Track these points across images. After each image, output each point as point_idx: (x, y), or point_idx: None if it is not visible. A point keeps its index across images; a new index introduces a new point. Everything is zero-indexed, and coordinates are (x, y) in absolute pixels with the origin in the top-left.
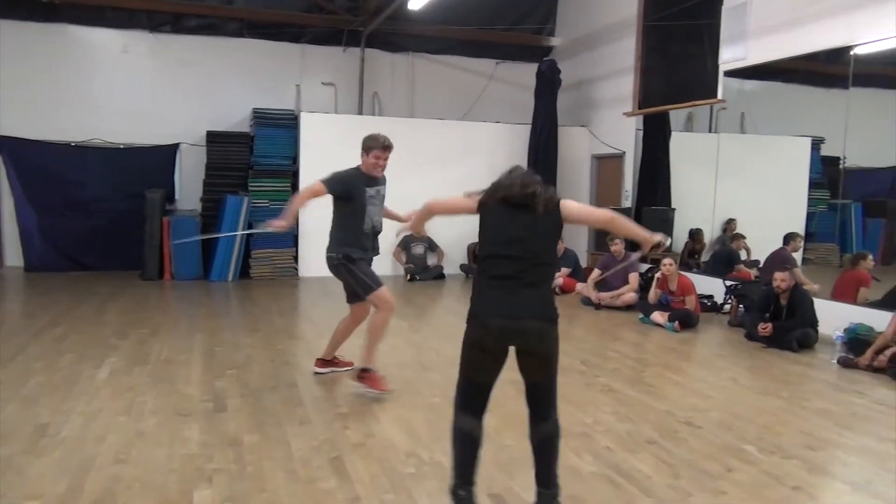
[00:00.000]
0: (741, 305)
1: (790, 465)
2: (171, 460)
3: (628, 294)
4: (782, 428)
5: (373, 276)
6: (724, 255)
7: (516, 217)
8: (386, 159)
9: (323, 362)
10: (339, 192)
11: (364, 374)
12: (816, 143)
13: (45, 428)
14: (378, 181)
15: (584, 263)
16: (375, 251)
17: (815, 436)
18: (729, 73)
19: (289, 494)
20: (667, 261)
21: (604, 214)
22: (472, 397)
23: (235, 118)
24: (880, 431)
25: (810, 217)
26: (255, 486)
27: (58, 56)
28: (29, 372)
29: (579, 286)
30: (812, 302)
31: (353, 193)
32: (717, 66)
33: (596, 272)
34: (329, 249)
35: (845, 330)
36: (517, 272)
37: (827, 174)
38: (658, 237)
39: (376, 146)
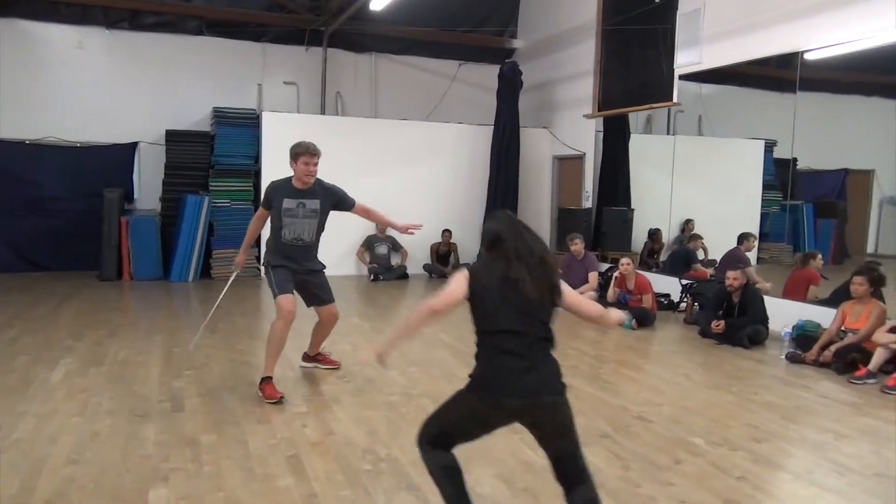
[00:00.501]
0: (696, 304)
1: (736, 456)
2: (127, 460)
3: (587, 293)
4: (731, 421)
5: (281, 284)
6: (682, 254)
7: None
8: (315, 165)
9: (307, 357)
10: (265, 204)
11: (262, 384)
12: (769, 146)
13: None
14: (306, 193)
15: None
16: (303, 264)
17: (761, 428)
18: (685, 77)
19: (246, 493)
20: (625, 260)
21: (594, 310)
22: (447, 445)
23: (195, 117)
24: (823, 423)
25: (764, 217)
26: (211, 484)
27: (10, 52)
28: None
29: None
30: (762, 300)
31: (272, 203)
32: (672, 70)
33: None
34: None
35: (794, 327)
36: (527, 345)
37: (779, 176)
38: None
39: (304, 151)
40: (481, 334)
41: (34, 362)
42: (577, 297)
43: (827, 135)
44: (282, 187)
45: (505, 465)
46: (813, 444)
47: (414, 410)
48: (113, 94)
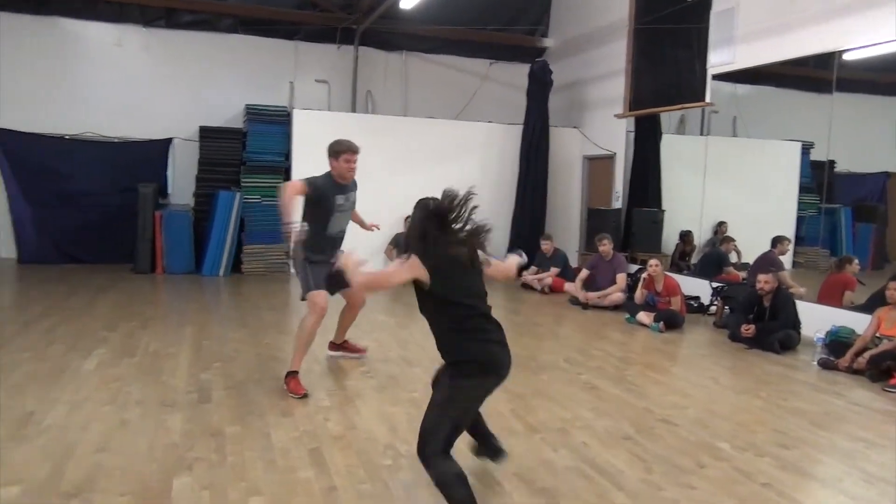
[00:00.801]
0: (727, 307)
1: (762, 462)
2: (153, 449)
3: (615, 294)
4: (758, 426)
5: (317, 280)
6: (714, 257)
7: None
8: (356, 162)
9: (333, 345)
10: (314, 196)
11: (287, 378)
12: (806, 148)
13: (30, 416)
14: (348, 188)
15: (574, 263)
16: (334, 254)
17: (789, 434)
18: (718, 77)
19: (267, 484)
20: (653, 262)
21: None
22: (452, 441)
23: (228, 114)
24: (854, 431)
25: (800, 221)
26: (234, 474)
27: (50, 49)
28: (17, 361)
29: (567, 286)
30: (795, 304)
31: (323, 201)
32: (705, 70)
33: (584, 272)
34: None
35: (827, 332)
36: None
37: (816, 178)
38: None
39: (345, 149)
40: (465, 318)
41: (69, 351)
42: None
43: (866, 137)
44: (329, 185)
45: (525, 464)
46: (843, 452)
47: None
48: (149, 90)
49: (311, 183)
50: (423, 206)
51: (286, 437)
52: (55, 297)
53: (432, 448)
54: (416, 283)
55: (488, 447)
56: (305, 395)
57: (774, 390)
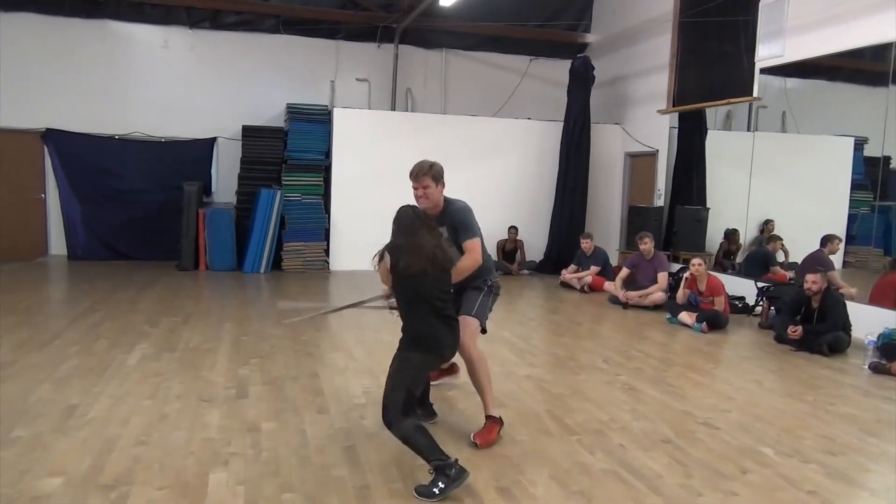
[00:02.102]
0: (773, 308)
1: (808, 469)
2: (191, 443)
3: (656, 293)
4: (803, 432)
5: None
6: (759, 256)
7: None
8: (422, 189)
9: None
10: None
11: (492, 424)
12: (859, 144)
13: (74, 409)
14: (439, 219)
15: (614, 262)
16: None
17: (836, 441)
18: (765, 71)
19: (300, 480)
20: (696, 261)
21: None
22: (410, 404)
23: (270, 113)
24: None
25: (852, 219)
26: (268, 470)
27: (101, 51)
28: (64, 356)
29: (607, 285)
30: (845, 305)
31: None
32: (753, 64)
33: (624, 271)
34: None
35: (880, 335)
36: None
37: (869, 175)
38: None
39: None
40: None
41: (113, 346)
42: None
43: None
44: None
45: (560, 466)
46: (894, 460)
47: (472, 407)
48: (194, 90)
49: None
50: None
51: (321, 433)
52: (102, 293)
53: (391, 413)
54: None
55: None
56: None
57: (822, 394)
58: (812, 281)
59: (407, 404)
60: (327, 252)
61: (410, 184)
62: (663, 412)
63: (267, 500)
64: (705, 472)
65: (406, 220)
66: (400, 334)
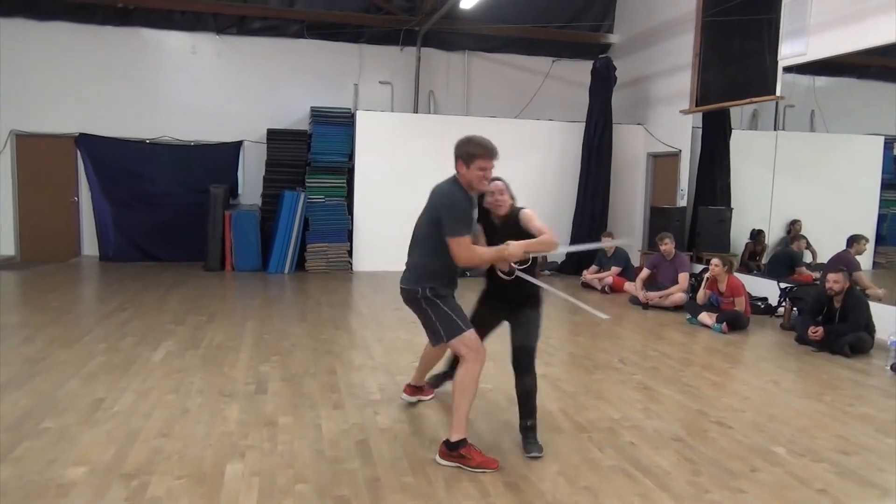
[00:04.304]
0: (795, 308)
1: (819, 468)
2: (210, 436)
3: (677, 294)
4: (818, 431)
5: (463, 317)
6: (784, 257)
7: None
8: (492, 170)
9: (413, 389)
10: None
11: (460, 449)
12: (890, 142)
13: (101, 402)
14: (474, 199)
15: (636, 263)
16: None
17: (851, 441)
18: (790, 69)
19: (313, 472)
20: (714, 261)
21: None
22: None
23: (295, 116)
24: None
25: (882, 219)
26: (283, 462)
27: (131, 58)
28: (93, 352)
29: (628, 285)
30: (868, 306)
31: (470, 222)
32: (776, 62)
33: (645, 271)
34: (409, 281)
35: None
36: None
37: None
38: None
39: (484, 154)
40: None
41: (139, 343)
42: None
43: None
44: (466, 200)
45: (569, 462)
46: None
47: (486, 404)
48: (221, 95)
49: (460, 219)
50: None
51: (336, 428)
52: (131, 293)
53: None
54: None
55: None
56: (499, 468)
57: (841, 395)
58: (834, 280)
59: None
60: (350, 253)
61: (487, 172)
62: (676, 411)
63: (280, 491)
64: (714, 469)
65: None
66: None
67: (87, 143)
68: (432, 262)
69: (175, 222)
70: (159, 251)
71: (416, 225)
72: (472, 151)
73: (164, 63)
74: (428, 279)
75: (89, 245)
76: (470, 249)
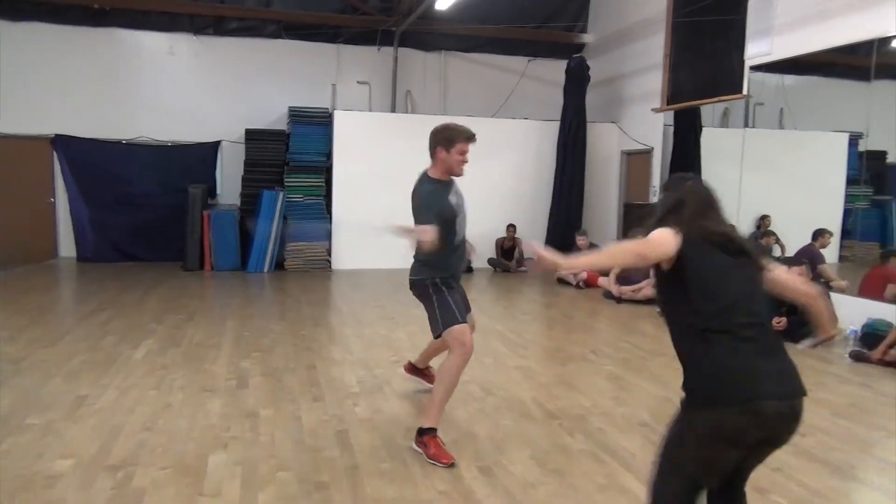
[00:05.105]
0: None
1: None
2: (193, 429)
3: (648, 288)
4: None
5: (460, 309)
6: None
7: (739, 265)
8: (468, 153)
9: (412, 368)
10: (440, 223)
11: (424, 437)
12: (854, 139)
13: (84, 399)
14: (452, 185)
15: None
16: (459, 270)
17: (807, 423)
18: (758, 68)
19: (295, 461)
20: None
21: (809, 291)
22: (692, 497)
23: (273, 116)
24: (876, 421)
25: (847, 214)
26: (265, 452)
27: (108, 58)
28: (74, 351)
29: (601, 280)
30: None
31: (444, 214)
32: (742, 62)
33: (617, 267)
34: (416, 273)
35: (863, 325)
36: (763, 334)
37: (869, 170)
38: (834, 332)
39: (462, 138)
40: (702, 316)
41: (120, 342)
42: (787, 275)
43: None
44: (437, 192)
45: (540, 447)
46: (861, 441)
47: (461, 395)
48: (199, 95)
49: (431, 211)
50: (680, 181)
51: (316, 420)
52: (110, 293)
53: None
54: (658, 267)
55: None
56: (453, 465)
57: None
58: (798, 272)
59: (686, 497)
60: (329, 252)
61: (466, 155)
62: (644, 399)
63: (262, 479)
64: None
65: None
66: None
67: (64, 144)
68: (433, 255)
69: (153, 223)
70: (137, 251)
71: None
72: (452, 136)
73: (141, 64)
74: (432, 270)
75: (66, 246)
76: (433, 240)
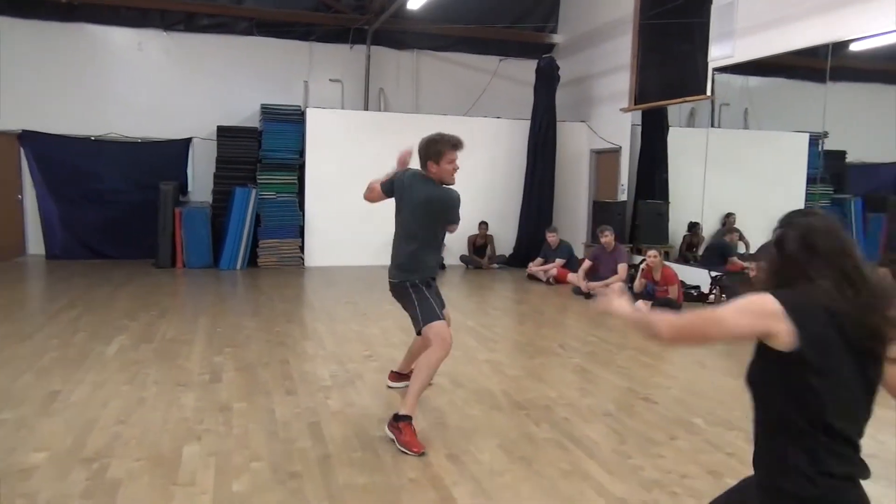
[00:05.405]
0: (724, 295)
1: (731, 435)
2: (167, 422)
3: (616, 284)
4: (735, 404)
5: (439, 306)
6: (717, 247)
7: (861, 366)
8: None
9: (397, 376)
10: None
11: (398, 423)
12: (815, 138)
13: (57, 394)
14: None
15: (580, 255)
16: (435, 270)
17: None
18: (722, 70)
19: (268, 451)
20: (651, 253)
21: None
22: None
23: (245, 114)
24: None
25: None
26: (238, 444)
27: (77, 54)
28: (45, 348)
29: (571, 276)
30: None
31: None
32: (706, 64)
33: (586, 263)
34: (397, 275)
35: None
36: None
37: (830, 169)
38: None
39: (450, 148)
40: (802, 423)
41: (91, 338)
42: None
43: (883, 127)
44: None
45: (507, 436)
46: None
47: (432, 389)
48: (169, 92)
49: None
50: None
51: (289, 412)
52: (80, 290)
53: None
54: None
55: None
56: (424, 454)
57: None
58: (755, 268)
59: None
60: (302, 248)
61: (455, 163)
62: (609, 390)
63: (236, 469)
64: (638, 439)
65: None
66: None
67: (32, 141)
68: (423, 254)
69: (123, 220)
70: (108, 249)
71: (401, 224)
72: (440, 149)
73: (111, 59)
74: (416, 271)
75: (35, 243)
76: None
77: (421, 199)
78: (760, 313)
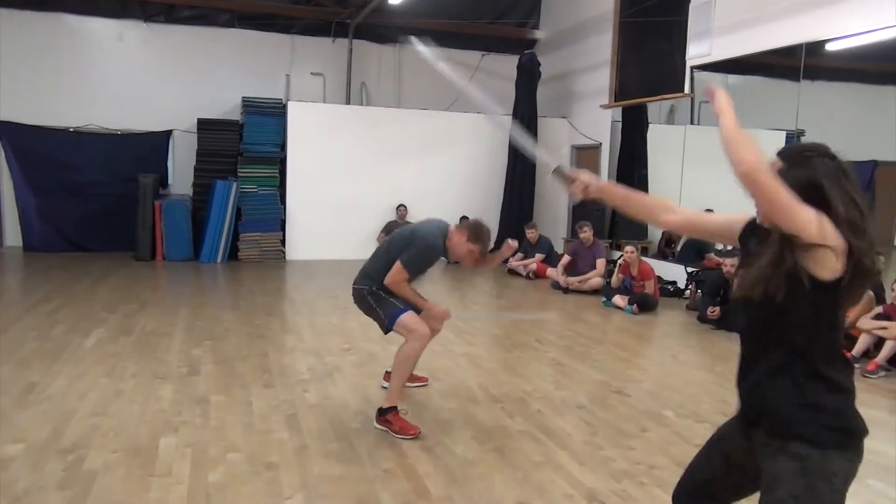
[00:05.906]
0: (699, 291)
1: (701, 427)
2: (144, 414)
3: (594, 279)
4: (705, 397)
5: (398, 301)
6: (693, 244)
7: None
8: None
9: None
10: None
11: (387, 414)
12: (791, 137)
13: (34, 386)
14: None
15: (560, 250)
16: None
17: (732, 404)
18: (700, 68)
19: (245, 443)
20: (628, 248)
21: None
22: None
23: (226, 106)
24: None
25: None
26: (215, 435)
27: (54, 44)
28: (23, 340)
29: (550, 271)
30: None
31: (432, 260)
32: (684, 62)
33: (565, 258)
34: (359, 282)
35: None
36: None
37: None
38: None
39: (483, 242)
40: (832, 349)
41: (70, 331)
42: None
43: (857, 125)
44: (438, 252)
45: (482, 428)
46: None
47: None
48: (149, 84)
49: (419, 261)
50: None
51: (266, 405)
52: (58, 283)
53: None
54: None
55: None
56: (419, 435)
57: (730, 366)
58: (730, 264)
59: None
60: (283, 242)
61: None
62: (583, 383)
63: (213, 460)
64: (610, 431)
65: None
66: None
67: (8, 132)
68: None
69: (103, 212)
70: (87, 241)
71: (387, 240)
72: (483, 241)
73: (90, 50)
74: (378, 280)
75: (12, 235)
76: (401, 282)
77: (412, 228)
78: (830, 228)
